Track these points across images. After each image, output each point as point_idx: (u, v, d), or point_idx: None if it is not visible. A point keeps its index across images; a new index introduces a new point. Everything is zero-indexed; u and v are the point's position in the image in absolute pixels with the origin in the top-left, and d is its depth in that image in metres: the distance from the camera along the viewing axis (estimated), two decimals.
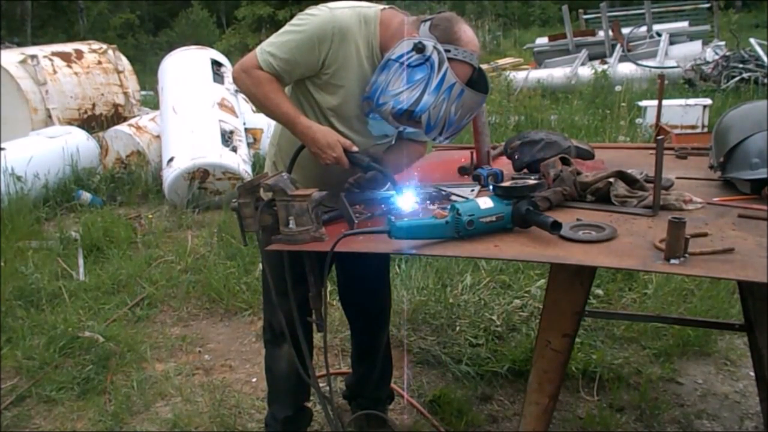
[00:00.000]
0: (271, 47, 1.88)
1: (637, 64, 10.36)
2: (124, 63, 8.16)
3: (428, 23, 1.83)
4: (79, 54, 7.69)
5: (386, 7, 1.94)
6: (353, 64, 1.88)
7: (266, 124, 6.27)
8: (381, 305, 2.46)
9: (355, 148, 1.88)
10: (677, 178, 1.99)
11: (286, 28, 1.90)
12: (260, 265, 2.39)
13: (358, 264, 2.21)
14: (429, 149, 3.35)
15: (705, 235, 1.53)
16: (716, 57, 9.51)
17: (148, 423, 2.71)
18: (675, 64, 9.95)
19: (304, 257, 1.84)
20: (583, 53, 11.50)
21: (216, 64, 6.61)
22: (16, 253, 4.43)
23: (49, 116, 6.94)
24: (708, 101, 6.87)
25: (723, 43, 10.73)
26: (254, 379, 2.99)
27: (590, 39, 12.38)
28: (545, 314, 1.75)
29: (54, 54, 7.44)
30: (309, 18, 1.86)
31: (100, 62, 7.81)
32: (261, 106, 1.95)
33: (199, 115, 5.88)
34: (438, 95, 1.78)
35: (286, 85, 1.97)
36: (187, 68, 6.51)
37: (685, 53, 10.35)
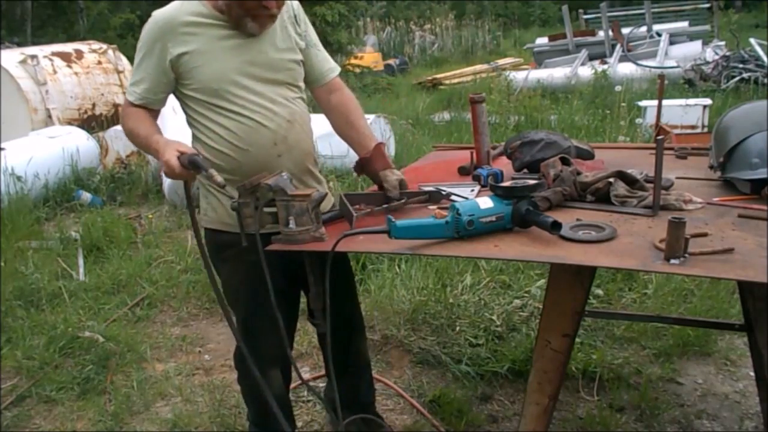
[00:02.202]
0: (131, 79, 1.99)
1: (637, 64, 10.36)
2: (124, 63, 8.16)
3: None
4: (79, 54, 7.69)
5: None
6: (199, 40, 1.87)
7: None
8: (357, 311, 2.39)
9: (192, 151, 1.79)
10: (677, 178, 1.99)
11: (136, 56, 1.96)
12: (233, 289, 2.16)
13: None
14: (429, 149, 3.35)
15: (705, 235, 1.53)
16: (716, 57, 9.51)
17: (148, 423, 2.71)
18: (675, 64, 9.95)
19: (304, 257, 1.85)
20: (583, 53, 11.50)
21: None
22: (16, 253, 4.43)
23: (49, 116, 6.94)
24: (708, 101, 6.87)
25: (723, 43, 10.73)
26: None
27: (590, 39, 12.38)
28: (545, 314, 1.75)
29: (54, 54, 7.44)
30: (142, 35, 1.92)
31: (100, 62, 7.81)
32: (132, 140, 1.99)
33: None
34: None
35: (160, 108, 1.99)
36: None
37: (685, 53, 10.34)
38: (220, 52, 1.87)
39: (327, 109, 2.13)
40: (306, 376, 2.84)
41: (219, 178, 1.71)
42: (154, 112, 1.99)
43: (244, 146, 1.91)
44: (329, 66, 2.12)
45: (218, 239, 2.01)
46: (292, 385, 2.65)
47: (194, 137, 2.01)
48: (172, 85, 1.94)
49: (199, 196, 2.11)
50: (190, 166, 1.74)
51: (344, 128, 2.11)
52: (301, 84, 2.05)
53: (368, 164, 2.02)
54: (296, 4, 2.05)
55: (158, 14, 1.90)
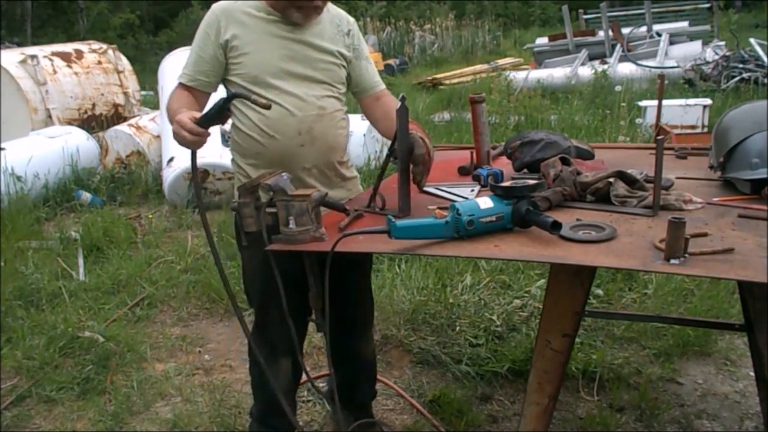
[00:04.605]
0: (185, 64, 2.07)
1: (637, 64, 10.36)
2: (124, 63, 8.16)
3: None
4: (79, 54, 7.69)
5: None
6: (252, 30, 2.01)
7: None
8: (363, 313, 2.40)
9: (197, 114, 1.86)
10: (677, 178, 1.98)
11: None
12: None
13: (340, 273, 2.07)
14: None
15: (705, 235, 1.53)
16: (716, 57, 9.51)
17: (148, 423, 2.71)
18: (675, 64, 9.95)
19: (303, 257, 1.84)
20: (583, 53, 11.51)
21: None
22: (16, 253, 4.43)
23: (49, 116, 6.94)
24: (708, 101, 6.87)
25: (723, 43, 10.73)
26: None
27: (590, 39, 12.39)
28: (545, 314, 1.75)
29: (54, 54, 7.44)
30: (201, 24, 2.07)
31: (100, 62, 7.81)
32: (169, 118, 2.01)
33: None
34: None
35: (209, 92, 2.08)
36: None
37: (685, 53, 10.35)
38: (267, 44, 2.01)
39: (375, 114, 2.22)
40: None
41: (262, 100, 1.77)
42: (202, 96, 2.06)
43: (271, 132, 2.01)
44: (378, 79, 2.27)
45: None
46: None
47: (232, 124, 2.11)
48: (222, 70, 2.04)
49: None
50: (204, 120, 1.80)
51: (386, 123, 2.13)
52: (340, 86, 2.14)
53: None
54: (352, 21, 2.23)
55: (218, 3, 2.05)
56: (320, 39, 2.07)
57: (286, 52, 2.02)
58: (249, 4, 2.03)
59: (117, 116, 7.64)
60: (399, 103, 1.79)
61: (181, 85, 2.06)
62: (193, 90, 2.05)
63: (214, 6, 2.05)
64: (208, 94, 2.08)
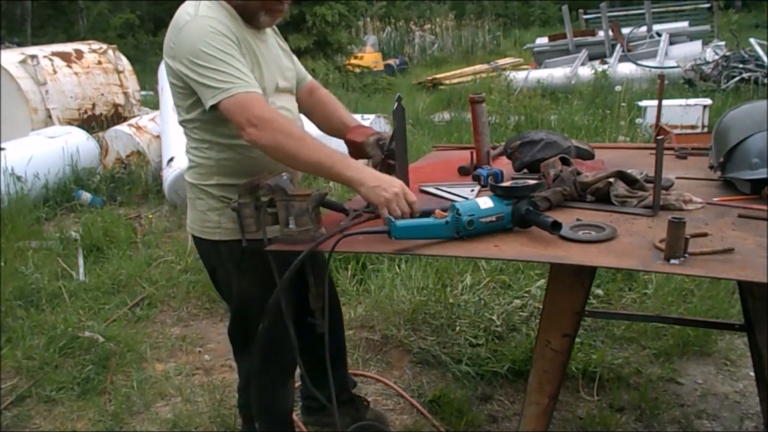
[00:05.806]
0: (230, 74, 1.72)
1: (637, 64, 10.36)
2: (124, 63, 8.15)
3: None
4: (79, 54, 7.68)
5: None
6: (244, 37, 1.84)
7: None
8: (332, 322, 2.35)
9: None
10: (677, 178, 1.99)
11: (206, 60, 1.73)
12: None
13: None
14: (429, 149, 3.34)
15: (705, 235, 1.53)
16: (716, 57, 9.51)
17: (148, 423, 2.71)
18: (675, 64, 9.95)
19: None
20: (583, 53, 11.50)
21: None
22: (16, 253, 4.43)
23: (49, 116, 6.94)
24: (708, 101, 6.87)
25: (723, 43, 10.73)
26: None
27: (590, 39, 12.38)
28: (545, 314, 1.75)
29: (54, 54, 7.43)
30: (210, 35, 1.75)
31: (100, 62, 7.80)
32: (295, 153, 1.71)
33: None
34: None
35: None
36: None
37: (685, 53, 10.35)
38: (260, 57, 1.88)
39: (309, 107, 2.17)
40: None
41: None
42: None
43: None
44: (305, 71, 2.21)
45: (239, 248, 1.86)
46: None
47: (212, 143, 1.89)
48: None
49: (191, 208, 2.02)
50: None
51: (327, 120, 2.15)
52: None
53: (351, 144, 2.05)
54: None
55: (210, 17, 1.78)
56: (276, 46, 2.01)
57: (273, 64, 1.92)
58: (227, 12, 1.83)
59: (117, 116, 7.64)
60: (396, 104, 1.79)
61: (255, 94, 1.73)
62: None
63: (211, 18, 1.77)
64: None
